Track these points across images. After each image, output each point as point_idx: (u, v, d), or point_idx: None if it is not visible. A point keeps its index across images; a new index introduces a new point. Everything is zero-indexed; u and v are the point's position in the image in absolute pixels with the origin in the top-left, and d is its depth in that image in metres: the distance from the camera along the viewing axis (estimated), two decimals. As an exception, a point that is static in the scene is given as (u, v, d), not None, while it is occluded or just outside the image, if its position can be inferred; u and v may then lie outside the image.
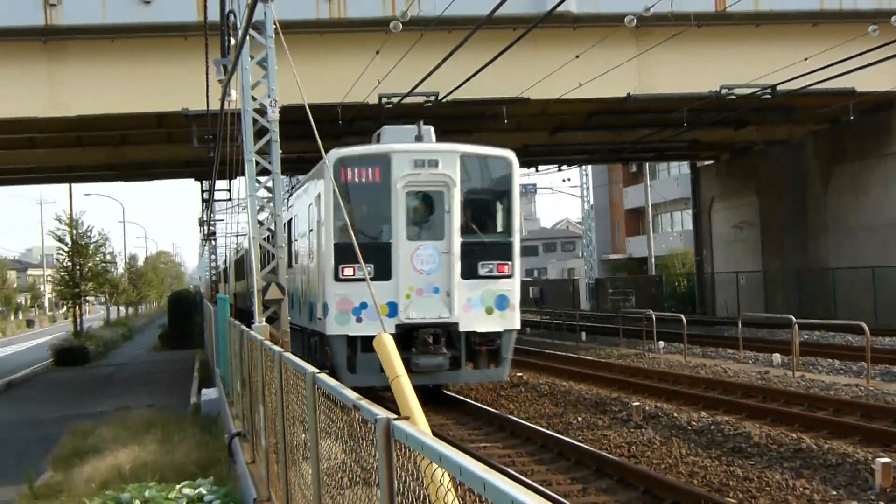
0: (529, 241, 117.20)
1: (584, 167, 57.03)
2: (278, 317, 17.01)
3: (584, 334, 35.05)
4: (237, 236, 43.04)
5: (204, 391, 22.19)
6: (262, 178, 17.63)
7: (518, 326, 17.54)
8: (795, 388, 19.07)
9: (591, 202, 60.80)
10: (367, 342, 14.41)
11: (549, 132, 33.62)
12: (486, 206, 17.76)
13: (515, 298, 17.27)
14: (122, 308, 79.34)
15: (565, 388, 21.42)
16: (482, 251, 16.94)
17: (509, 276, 17.13)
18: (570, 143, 36.52)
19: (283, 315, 16.97)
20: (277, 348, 8.24)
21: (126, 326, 65.36)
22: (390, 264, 16.71)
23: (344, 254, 16.28)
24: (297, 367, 6.64)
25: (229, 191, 41.07)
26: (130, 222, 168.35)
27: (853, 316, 30.87)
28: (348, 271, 16.58)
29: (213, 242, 57.25)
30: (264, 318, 16.59)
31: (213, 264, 57.14)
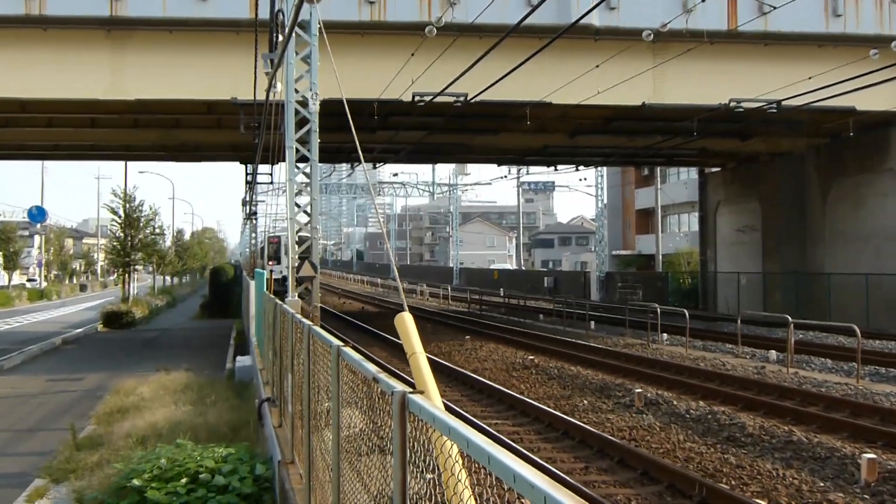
0: (546, 235, 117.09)
1: (599, 168, 56.75)
2: (310, 292, 17.03)
3: (593, 323, 34.93)
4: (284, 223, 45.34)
5: (239, 358, 22.26)
6: (301, 165, 17.60)
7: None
8: (789, 384, 18.91)
9: (605, 201, 60.50)
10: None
11: (568, 135, 33.46)
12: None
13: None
14: (167, 278, 79.69)
15: (573, 373, 21.36)
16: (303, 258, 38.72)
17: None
18: (588, 145, 36.35)
19: (314, 291, 16.98)
20: (307, 321, 8.21)
21: (170, 295, 65.64)
22: (280, 259, 37.25)
23: (274, 256, 39.48)
24: (323, 340, 6.60)
25: (271, 175, 41.15)
26: (179, 199, 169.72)
27: (846, 319, 30.61)
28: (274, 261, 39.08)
29: (254, 221, 57.38)
30: (297, 294, 16.60)
31: (254, 241, 57.31)
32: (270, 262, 45.24)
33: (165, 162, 51.84)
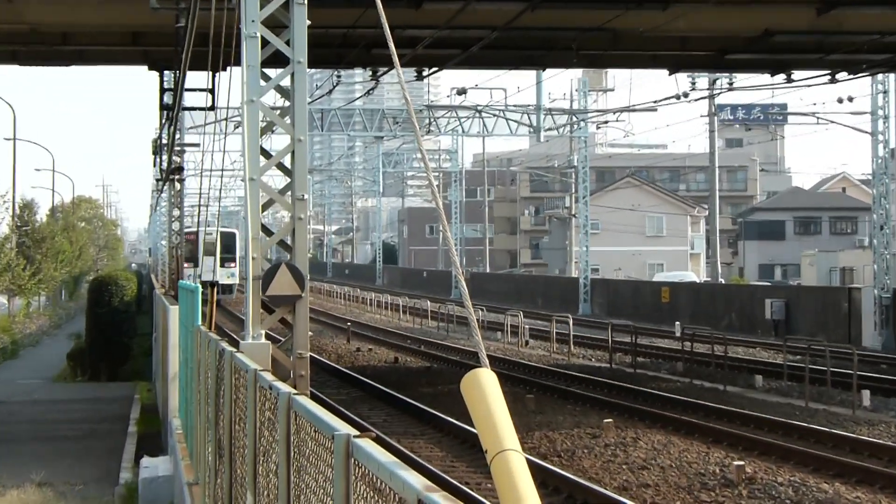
0: (768, 212, 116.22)
1: (880, 77, 56.27)
2: (291, 328, 17.12)
3: (866, 395, 34.67)
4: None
5: (146, 461, 22.43)
6: (274, 73, 17.76)
7: (237, 281, 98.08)
8: None
9: (893, 145, 59.93)
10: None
11: (815, 8, 33.33)
12: (228, 245, 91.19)
13: (237, 273, 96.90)
14: (2, 299, 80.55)
15: (826, 497, 21.28)
16: (226, 259, 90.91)
17: (234, 267, 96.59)
18: (856, 29, 36.13)
19: (298, 325, 17.06)
20: (284, 387, 8.30)
21: (8, 333, 66.38)
22: (198, 261, 53.63)
23: (190, 259, 72.44)
24: (319, 424, 6.67)
25: (211, 93, 41.21)
26: (27, 142, 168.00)
27: None
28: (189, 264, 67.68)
29: (177, 186, 57.85)
30: (264, 331, 16.72)
31: (176, 226, 57.78)
32: (186, 265, 66.02)
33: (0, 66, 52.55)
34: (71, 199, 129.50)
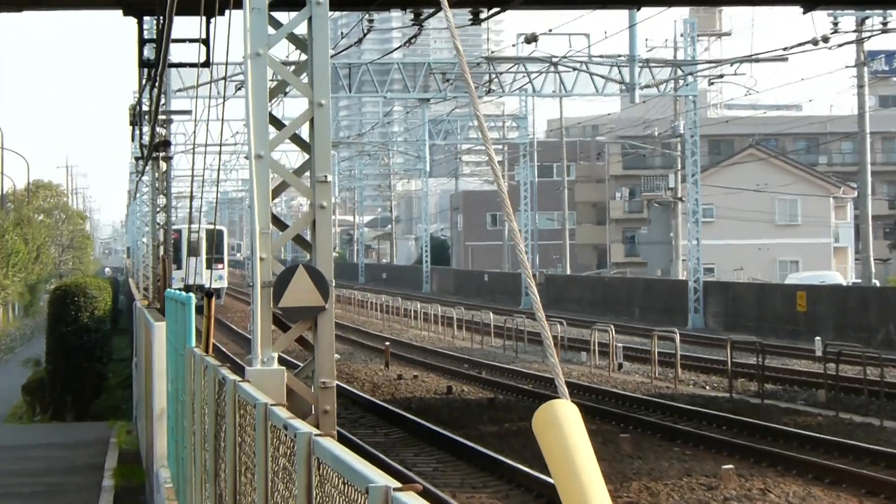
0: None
1: None
2: (313, 350, 17.17)
3: None
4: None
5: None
6: (285, 17, 17.82)
7: (226, 285, 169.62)
8: None
9: None
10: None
11: None
12: (216, 244, 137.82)
13: (225, 276, 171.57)
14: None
15: None
16: (214, 259, 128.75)
17: (222, 269, 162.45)
18: None
19: (320, 345, 17.12)
20: (304, 427, 8.37)
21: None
22: (181, 262, 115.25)
23: (176, 258, 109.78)
24: (349, 474, 6.73)
25: (206, 45, 41.48)
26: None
27: None
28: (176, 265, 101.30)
29: (162, 166, 58.14)
30: (277, 354, 16.78)
31: (164, 216, 58.14)
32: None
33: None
34: (26, 185, 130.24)
